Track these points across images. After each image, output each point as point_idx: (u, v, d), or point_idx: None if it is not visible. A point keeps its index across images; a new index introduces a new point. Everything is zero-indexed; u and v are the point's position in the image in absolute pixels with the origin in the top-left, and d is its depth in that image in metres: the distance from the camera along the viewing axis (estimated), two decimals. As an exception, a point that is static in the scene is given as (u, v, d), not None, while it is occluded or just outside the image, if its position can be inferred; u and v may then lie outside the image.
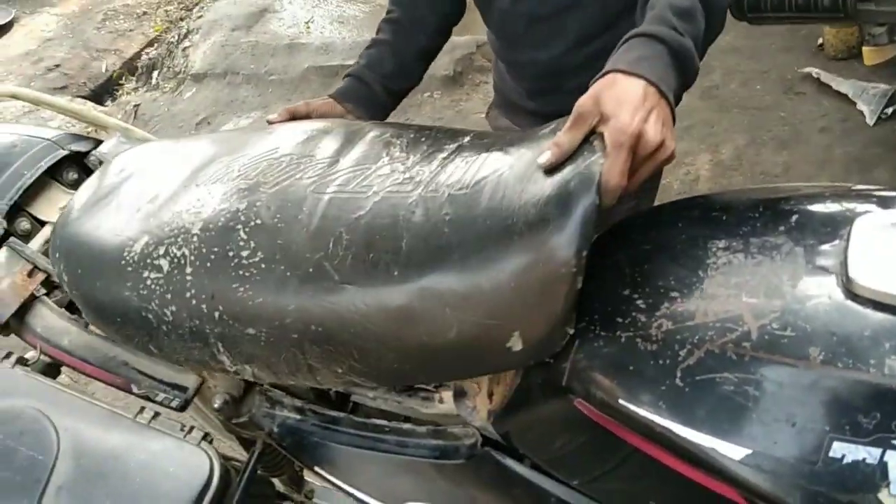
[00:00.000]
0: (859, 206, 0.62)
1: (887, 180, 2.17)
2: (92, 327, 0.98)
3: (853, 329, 0.53)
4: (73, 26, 4.44)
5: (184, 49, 3.80)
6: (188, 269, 0.78)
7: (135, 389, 0.94)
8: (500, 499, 0.81)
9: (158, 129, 3.27)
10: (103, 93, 3.83)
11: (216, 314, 0.77)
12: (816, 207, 0.64)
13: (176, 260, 0.79)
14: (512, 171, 0.70)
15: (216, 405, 0.90)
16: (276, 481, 1.15)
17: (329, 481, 0.90)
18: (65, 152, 1.05)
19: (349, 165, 0.80)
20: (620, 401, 0.61)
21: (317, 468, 0.90)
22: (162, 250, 0.80)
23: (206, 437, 0.85)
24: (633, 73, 0.67)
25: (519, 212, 0.65)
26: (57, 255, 0.90)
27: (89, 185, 0.97)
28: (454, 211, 0.69)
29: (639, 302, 0.64)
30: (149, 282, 0.80)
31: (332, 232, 0.74)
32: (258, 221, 0.78)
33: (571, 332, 0.65)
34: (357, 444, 0.87)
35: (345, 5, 3.81)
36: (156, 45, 4.09)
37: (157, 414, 0.87)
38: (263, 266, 0.75)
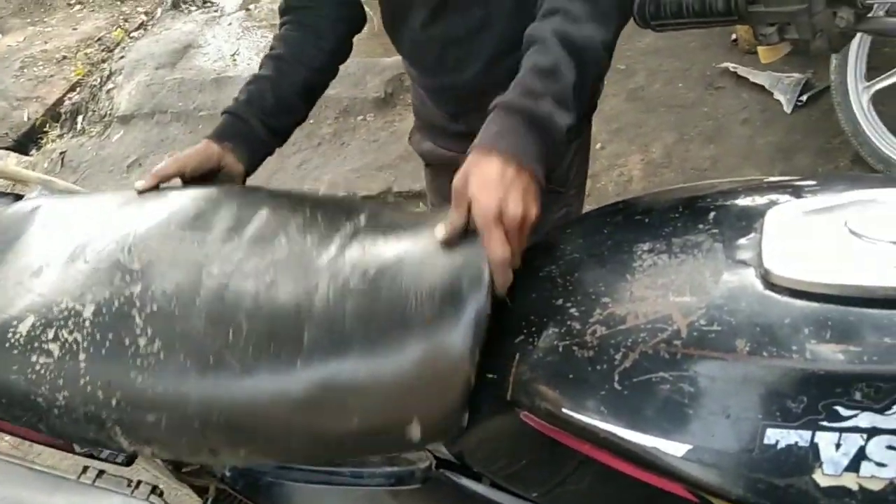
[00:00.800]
0: (771, 198, 0.64)
1: (808, 165, 2.26)
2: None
3: (774, 318, 0.56)
4: (-11, 76, 4.30)
5: (108, 91, 3.71)
6: (81, 356, 0.77)
7: (77, 449, 0.91)
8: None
9: (88, 174, 3.19)
10: (27, 142, 3.72)
11: (113, 401, 0.76)
12: (732, 203, 0.66)
13: (67, 345, 0.77)
14: (407, 263, 0.73)
15: (164, 458, 0.88)
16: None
17: (287, 521, 0.88)
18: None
19: (245, 245, 0.81)
20: (564, 409, 0.62)
21: (272, 508, 0.88)
22: (51, 334, 0.78)
23: (154, 490, 0.82)
24: (491, 151, 0.72)
25: (416, 310, 0.69)
26: None
27: None
28: (354, 303, 0.72)
29: (572, 310, 0.65)
30: (38, 367, 0.78)
31: (231, 320, 0.74)
32: (154, 307, 0.77)
33: (465, 422, 0.69)
34: (311, 480, 0.85)
35: (269, 35, 3.78)
36: (78, 89, 3.99)
37: (101, 472, 0.84)
38: (162, 355, 0.74)
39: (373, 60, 3.13)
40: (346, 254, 0.77)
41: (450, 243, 0.71)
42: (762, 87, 2.60)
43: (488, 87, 0.96)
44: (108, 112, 3.53)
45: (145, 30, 4.46)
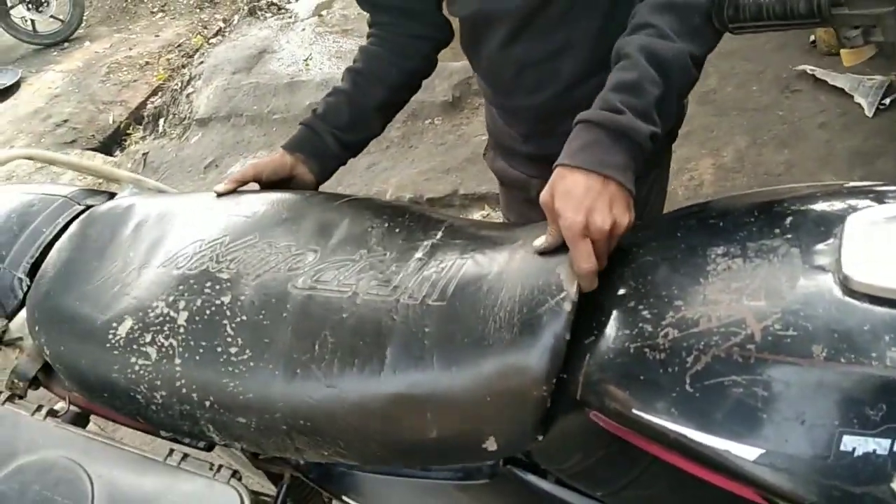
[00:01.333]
0: (851, 203, 0.63)
1: (890, 171, 2.17)
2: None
3: (852, 325, 0.55)
4: (78, 81, 4.54)
5: (187, 95, 3.87)
6: (177, 360, 0.82)
7: (162, 433, 0.96)
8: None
9: (168, 174, 3.33)
10: (112, 144, 3.91)
11: (207, 403, 0.81)
12: (810, 207, 0.66)
13: (164, 349, 0.83)
14: (484, 286, 0.76)
15: (253, 451, 0.92)
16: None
17: (357, 510, 0.91)
18: (80, 207, 1.08)
19: (328, 257, 0.85)
20: (634, 410, 0.63)
21: (344, 497, 0.91)
22: (148, 338, 0.84)
23: (234, 474, 0.86)
24: (574, 167, 0.73)
25: (495, 335, 0.71)
26: (37, 328, 0.93)
27: (64, 243, 0.99)
28: (433, 323, 0.75)
29: (644, 313, 0.66)
30: (137, 367, 0.84)
31: (316, 333, 0.78)
32: (244, 318, 0.82)
33: (541, 438, 0.71)
34: (382, 471, 0.88)
35: (341, 40, 3.87)
36: (160, 93, 4.18)
37: (185, 455, 0.88)
38: (252, 364, 0.79)
39: (441, 64, 3.17)
40: (424, 271, 0.80)
41: (543, 253, 0.75)
42: (842, 91, 2.51)
43: (564, 110, 0.93)
44: (188, 115, 3.68)
45: (223, 36, 4.64)
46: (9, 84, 4.56)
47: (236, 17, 4.75)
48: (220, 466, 0.88)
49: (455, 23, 1.10)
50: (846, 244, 0.58)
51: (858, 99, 2.45)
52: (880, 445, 0.52)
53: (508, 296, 0.74)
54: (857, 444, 0.53)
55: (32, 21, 5.07)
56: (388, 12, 1.10)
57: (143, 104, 4.16)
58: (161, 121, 3.83)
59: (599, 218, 0.70)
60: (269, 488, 1.07)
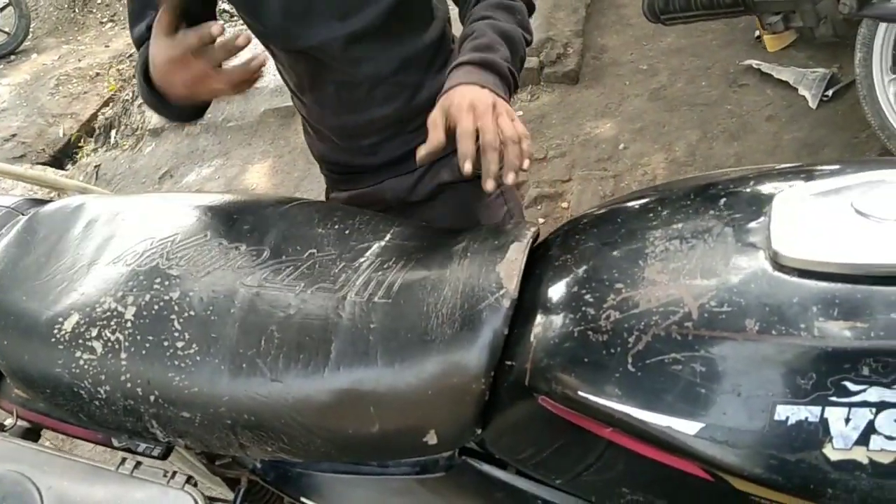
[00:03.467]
0: (780, 183, 0.66)
1: (836, 160, 2.24)
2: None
3: (782, 298, 0.57)
4: (26, 94, 4.44)
5: (139, 105, 3.81)
6: (123, 355, 0.81)
7: (115, 443, 0.95)
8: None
9: (121, 186, 3.28)
10: (63, 157, 3.83)
11: (151, 398, 0.80)
12: (742, 189, 0.68)
13: (110, 344, 0.82)
14: (430, 282, 0.78)
15: (197, 450, 0.91)
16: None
17: (317, 511, 0.91)
18: (25, 217, 1.06)
19: (277, 257, 0.86)
20: (580, 392, 0.64)
21: (302, 499, 0.91)
22: (94, 332, 0.83)
23: (189, 480, 0.86)
24: (458, 86, 0.87)
25: (437, 330, 0.73)
26: None
27: (9, 242, 0.98)
28: (378, 320, 0.76)
29: (587, 297, 0.67)
30: (81, 361, 0.83)
31: (263, 329, 0.79)
32: (191, 313, 0.82)
33: (480, 431, 0.74)
34: (338, 470, 0.88)
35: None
36: (111, 104, 4.11)
37: (139, 463, 0.87)
38: (198, 358, 0.79)
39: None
40: (373, 270, 0.82)
41: (423, 161, 0.85)
42: (787, 84, 2.58)
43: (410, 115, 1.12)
44: (140, 126, 3.63)
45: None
46: (-47, 100, 4.43)
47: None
48: (175, 473, 0.87)
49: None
50: (775, 221, 0.60)
51: (803, 91, 2.52)
52: (811, 413, 0.54)
53: (451, 293, 0.75)
54: (791, 413, 0.54)
55: (-25, 34, 4.96)
56: None
57: (94, 116, 4.08)
58: (113, 132, 3.76)
59: (484, 98, 0.83)
60: (227, 494, 1.06)
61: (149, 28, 0.95)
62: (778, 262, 0.58)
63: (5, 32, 5.02)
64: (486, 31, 0.95)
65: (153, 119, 3.56)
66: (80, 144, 3.87)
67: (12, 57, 5.03)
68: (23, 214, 1.07)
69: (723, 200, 0.67)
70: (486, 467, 0.81)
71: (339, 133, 1.20)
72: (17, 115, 4.18)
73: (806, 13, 0.58)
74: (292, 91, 1.23)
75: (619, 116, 2.69)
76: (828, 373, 0.54)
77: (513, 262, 0.75)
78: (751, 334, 0.57)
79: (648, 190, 0.76)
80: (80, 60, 4.78)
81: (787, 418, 0.54)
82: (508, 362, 0.72)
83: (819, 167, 0.66)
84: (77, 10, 5.56)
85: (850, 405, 0.53)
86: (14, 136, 3.99)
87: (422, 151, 0.84)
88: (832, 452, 0.53)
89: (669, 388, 0.59)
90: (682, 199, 0.70)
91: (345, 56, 1.06)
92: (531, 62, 2.97)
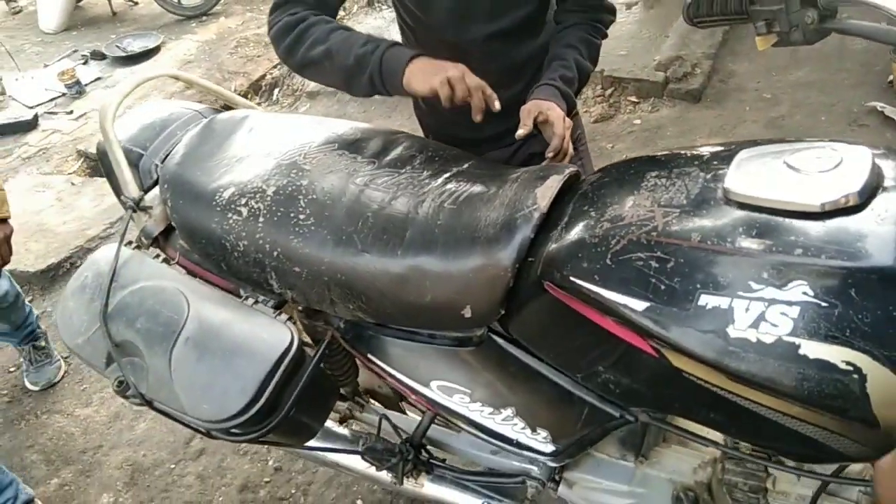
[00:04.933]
0: (747, 148, 0.85)
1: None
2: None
3: (722, 220, 0.78)
4: (209, 51, 5.05)
5: (304, 71, 4.29)
6: (261, 220, 1.12)
7: (242, 293, 1.27)
8: (500, 373, 1.07)
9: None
10: (231, 108, 4.35)
11: (275, 253, 1.10)
12: (724, 149, 0.88)
13: (253, 211, 1.13)
14: (485, 199, 1.04)
15: (300, 304, 1.21)
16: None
17: (378, 366, 1.18)
18: (206, 119, 1.40)
19: (382, 167, 1.15)
20: (571, 278, 0.87)
21: (369, 355, 1.18)
22: (244, 201, 1.14)
23: (290, 318, 1.15)
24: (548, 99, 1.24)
25: (483, 230, 0.99)
26: (165, 185, 1.24)
27: (193, 134, 1.31)
28: (444, 220, 1.04)
29: (592, 213, 0.90)
30: (231, 221, 1.14)
31: (361, 214, 1.08)
32: (314, 196, 1.11)
33: (503, 312, 0.99)
34: (399, 336, 1.15)
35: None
36: (278, 66, 4.62)
37: (257, 301, 1.18)
38: (313, 228, 1.09)
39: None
40: (448, 185, 1.09)
41: (521, 137, 1.21)
42: (908, 129, 2.60)
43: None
44: (300, 88, 4.09)
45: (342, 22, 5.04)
46: (151, 47, 5.12)
47: (355, 7, 5.15)
48: (281, 312, 1.17)
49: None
50: (731, 169, 0.81)
51: (923, 139, 2.53)
52: (723, 302, 0.74)
53: (500, 204, 1.01)
54: (709, 301, 0.75)
55: (179, -6, 5.67)
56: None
57: (262, 77, 4.61)
58: (276, 91, 4.26)
59: (560, 112, 1.22)
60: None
61: None
62: (727, 196, 0.79)
63: (202, -5, 5.71)
64: (571, 65, 1.32)
65: (311, 84, 4.00)
66: (246, 98, 4.39)
67: (204, 17, 5.70)
68: (205, 117, 1.42)
69: (705, 157, 0.88)
70: (506, 345, 1.05)
71: (455, 111, 1.46)
72: (200, 68, 4.77)
73: (782, 21, 0.74)
74: None
75: (732, 138, 2.80)
76: (739, 274, 0.74)
77: (548, 188, 0.99)
78: (693, 242, 0.78)
79: (659, 152, 0.97)
80: (259, 28, 5.35)
81: (706, 304, 0.75)
82: (530, 259, 0.95)
83: (775, 141, 0.85)
84: (264, -17, 6.19)
85: (750, 299, 0.73)
86: (189, 89, 4.57)
87: (521, 132, 1.20)
88: (733, 331, 0.73)
89: (631, 277, 0.81)
90: (681, 156, 0.91)
91: (482, 49, 1.35)
92: (657, 76, 3.13)
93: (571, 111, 1.30)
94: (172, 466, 2.06)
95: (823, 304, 0.69)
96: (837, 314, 0.68)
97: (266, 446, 2.04)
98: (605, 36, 1.44)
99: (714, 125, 2.91)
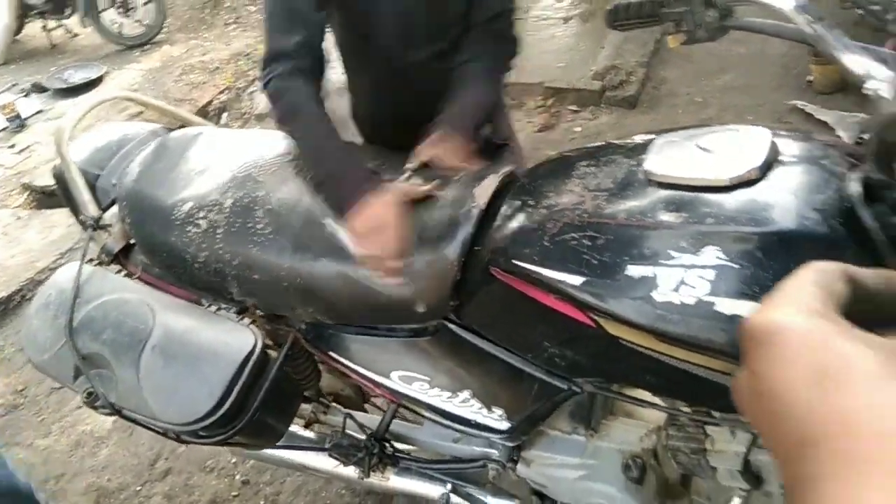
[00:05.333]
0: (663, 135, 0.95)
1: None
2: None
3: (644, 199, 0.86)
4: (154, 79, 5.05)
5: (250, 93, 4.32)
6: (220, 231, 1.18)
7: (204, 303, 1.31)
8: (456, 359, 1.13)
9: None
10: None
11: (235, 262, 1.16)
12: (642, 139, 0.97)
13: (212, 223, 1.19)
14: (430, 201, 1.12)
15: (261, 310, 1.26)
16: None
17: (340, 364, 1.24)
18: (160, 137, 1.45)
19: None
20: (513, 261, 0.95)
21: (331, 353, 1.24)
22: (202, 214, 1.20)
23: (253, 322, 1.20)
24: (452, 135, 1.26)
25: (429, 230, 1.08)
26: (123, 203, 1.29)
27: (149, 152, 1.36)
28: None
29: (531, 202, 0.98)
30: (190, 234, 1.19)
31: (317, 221, 1.14)
32: (270, 206, 1.18)
33: (454, 303, 1.06)
34: (359, 333, 1.21)
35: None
36: (225, 92, 4.64)
37: (220, 308, 1.23)
38: (271, 237, 1.15)
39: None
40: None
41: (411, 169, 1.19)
42: (827, 125, 2.78)
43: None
44: (248, 111, 4.12)
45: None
46: (93, 78, 5.09)
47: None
48: (244, 317, 1.22)
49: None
50: (650, 153, 0.90)
51: (840, 132, 2.71)
52: (648, 270, 0.83)
53: (444, 203, 1.09)
54: (637, 270, 0.83)
55: (120, 24, 5.64)
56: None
57: (209, 103, 4.62)
58: (224, 114, 4.28)
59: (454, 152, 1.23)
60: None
61: (299, 44, 1.28)
62: (648, 178, 0.88)
63: (144, 25, 5.69)
64: (468, 103, 1.33)
65: (260, 105, 4.04)
66: (194, 125, 4.40)
67: (147, 46, 5.69)
68: (159, 136, 1.47)
69: (628, 146, 0.97)
70: (460, 332, 1.12)
71: (374, 120, 1.58)
72: (145, 95, 4.76)
73: (688, 20, 0.84)
74: (352, 85, 1.61)
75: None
76: (661, 245, 0.83)
77: (486, 187, 1.07)
78: (619, 220, 0.87)
79: (588, 145, 1.06)
80: (203, 55, 5.37)
81: (634, 274, 0.83)
82: (476, 248, 1.03)
83: (688, 128, 0.95)
84: (207, 11, 6.22)
85: (671, 266, 0.81)
86: (140, 113, 4.56)
87: (409, 166, 1.20)
88: (658, 295, 0.82)
89: (567, 255, 0.89)
90: (609, 146, 1.00)
91: (424, 69, 1.44)
92: (594, 85, 3.27)
93: (473, 139, 1.31)
94: (138, 488, 2.06)
95: (735, 265, 0.78)
96: (747, 274, 0.77)
97: (233, 460, 2.07)
98: (510, 69, 1.48)
99: (650, 129, 3.04)
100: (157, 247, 1.25)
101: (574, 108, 3.29)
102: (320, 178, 1.20)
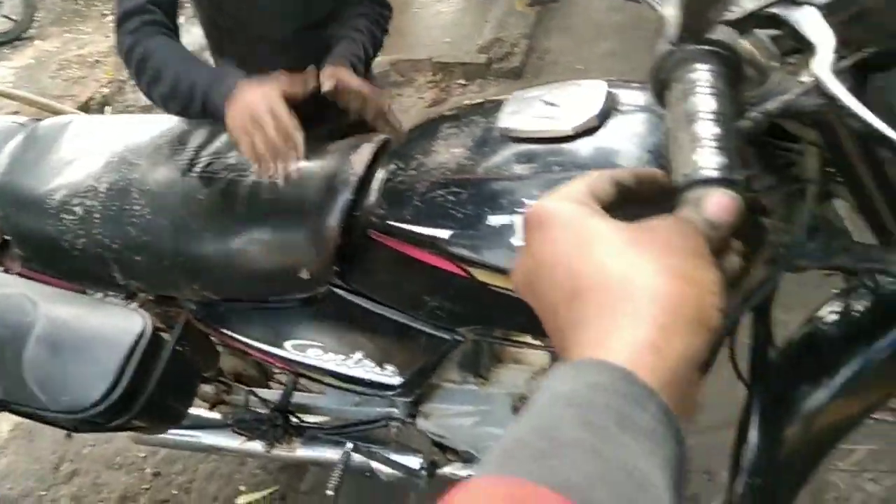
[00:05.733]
0: (516, 95, 1.02)
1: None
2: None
3: (500, 154, 0.93)
4: (28, 76, 4.78)
5: (132, 85, 4.17)
6: (96, 216, 1.18)
7: (89, 292, 1.30)
8: (347, 322, 1.18)
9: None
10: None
11: (114, 246, 1.17)
12: (497, 99, 1.04)
13: (87, 209, 1.18)
14: (308, 172, 1.13)
15: (147, 292, 1.27)
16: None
17: (234, 339, 1.26)
18: (28, 128, 1.41)
19: (211, 154, 1.22)
20: (388, 221, 1.00)
21: (223, 329, 1.26)
22: (77, 201, 1.19)
23: (141, 306, 1.21)
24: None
25: (309, 199, 1.11)
26: None
27: (17, 144, 1.33)
28: (273, 193, 1.13)
29: (401, 166, 1.03)
30: (66, 222, 1.19)
31: (195, 198, 1.16)
32: (147, 187, 1.18)
33: (338, 269, 1.10)
34: (249, 306, 1.24)
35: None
36: (107, 86, 4.46)
37: (106, 294, 1.23)
38: (149, 217, 1.16)
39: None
40: None
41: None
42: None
43: None
44: (133, 103, 3.98)
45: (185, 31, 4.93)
46: (-41, 78, 4.77)
47: (182, 19, 5.04)
48: (131, 302, 1.22)
49: None
50: (504, 110, 0.96)
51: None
52: (507, 219, 0.89)
53: (322, 173, 1.13)
54: (496, 220, 0.90)
55: (-15, 19, 5.30)
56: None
57: (90, 98, 4.43)
58: (107, 108, 4.12)
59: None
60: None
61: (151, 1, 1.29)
62: (501, 134, 0.95)
63: (12, 19, 5.36)
64: (359, 46, 1.39)
65: (143, 99, 3.91)
66: (76, 121, 4.21)
67: (17, 42, 5.36)
68: (26, 127, 1.43)
69: (486, 107, 1.04)
70: (348, 296, 1.16)
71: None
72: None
73: None
74: (215, 51, 1.61)
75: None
76: (516, 195, 0.90)
77: (362, 154, 1.12)
78: (479, 175, 0.93)
79: (453, 109, 1.12)
80: (81, 48, 5.12)
81: (495, 223, 0.90)
82: (356, 213, 1.08)
83: (537, 87, 1.02)
84: (81, 2, 5.92)
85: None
86: (16, 112, 4.32)
87: (326, 87, 1.23)
88: (516, 241, 0.88)
89: (435, 212, 0.95)
90: (466, 109, 1.07)
91: (298, 41, 1.45)
92: (480, 58, 3.35)
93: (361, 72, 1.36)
94: (43, 493, 2.01)
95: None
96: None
97: (142, 454, 2.05)
98: (387, 31, 1.53)
99: (536, 98, 3.17)
100: (32, 238, 1.23)
101: (462, 81, 3.36)
102: (192, 97, 1.16)
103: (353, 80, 1.26)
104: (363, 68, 1.40)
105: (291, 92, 1.12)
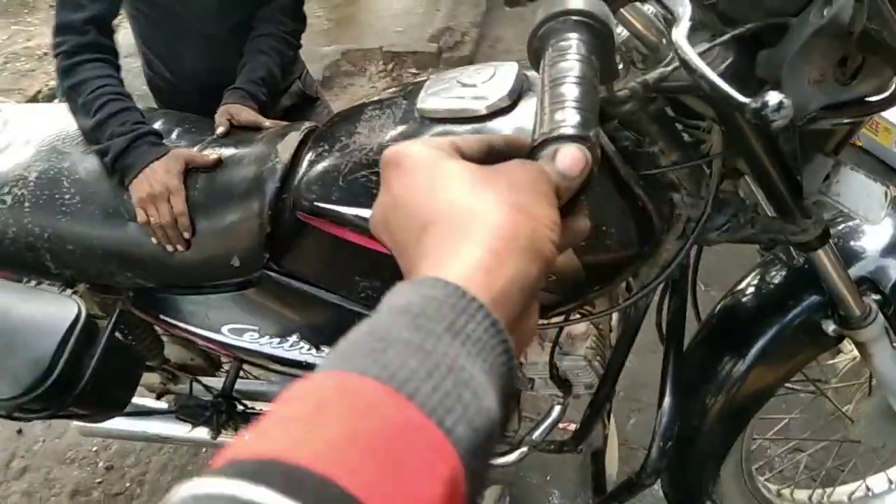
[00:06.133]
0: (436, 78, 1.04)
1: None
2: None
3: (418, 133, 0.96)
4: (-26, 71, 4.67)
5: (82, 80, 4.10)
6: (26, 205, 1.18)
7: (24, 281, 1.30)
8: (282, 306, 1.20)
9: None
10: None
11: (46, 235, 1.17)
12: (417, 81, 1.06)
13: (17, 198, 1.18)
14: (236, 160, 1.18)
15: (81, 280, 1.27)
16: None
17: (172, 326, 1.27)
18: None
19: None
20: (315, 203, 1.02)
21: (161, 316, 1.27)
22: (6, 190, 1.19)
23: (75, 293, 1.21)
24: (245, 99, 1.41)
25: (237, 186, 1.13)
26: None
27: None
28: (202, 182, 1.16)
29: (326, 147, 1.05)
30: None
31: (126, 188, 1.16)
32: (77, 176, 1.19)
33: (267, 256, 1.12)
34: (184, 293, 1.25)
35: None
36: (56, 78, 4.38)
37: (40, 283, 1.23)
38: (80, 206, 1.16)
39: (312, 48, 3.55)
40: (205, 152, 1.21)
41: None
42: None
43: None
44: (81, 97, 3.92)
45: (120, 25, 4.85)
46: None
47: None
48: (65, 289, 1.23)
49: None
50: (423, 92, 0.99)
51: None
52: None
53: (249, 161, 1.15)
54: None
55: (-74, 12, 5.15)
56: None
57: (39, 91, 4.34)
58: (55, 101, 4.04)
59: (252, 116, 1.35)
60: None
61: (86, 21, 1.30)
62: (420, 115, 0.97)
63: (-45, 12, 5.23)
64: (262, 71, 1.46)
65: (93, 91, 3.85)
66: (24, 116, 4.12)
67: (-38, 36, 5.23)
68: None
69: (407, 89, 1.06)
70: (282, 280, 1.18)
71: (176, 88, 1.66)
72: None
73: None
74: (148, 56, 1.68)
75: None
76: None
77: (288, 142, 1.14)
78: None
79: (378, 94, 1.15)
80: (28, 40, 5.01)
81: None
82: (284, 196, 1.10)
83: (455, 69, 1.05)
84: (27, -6, 5.78)
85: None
86: (-41, 107, 4.22)
87: (220, 130, 1.27)
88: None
89: (359, 191, 0.97)
90: (390, 93, 1.09)
91: (229, 38, 1.50)
92: (431, 47, 3.37)
93: (263, 108, 1.41)
94: (-7, 490, 2.00)
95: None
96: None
97: (94, 448, 2.04)
98: (299, 46, 1.61)
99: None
100: None
101: (414, 70, 3.38)
102: (108, 150, 1.18)
103: (247, 117, 1.32)
104: (266, 91, 1.45)
105: (196, 164, 1.18)
